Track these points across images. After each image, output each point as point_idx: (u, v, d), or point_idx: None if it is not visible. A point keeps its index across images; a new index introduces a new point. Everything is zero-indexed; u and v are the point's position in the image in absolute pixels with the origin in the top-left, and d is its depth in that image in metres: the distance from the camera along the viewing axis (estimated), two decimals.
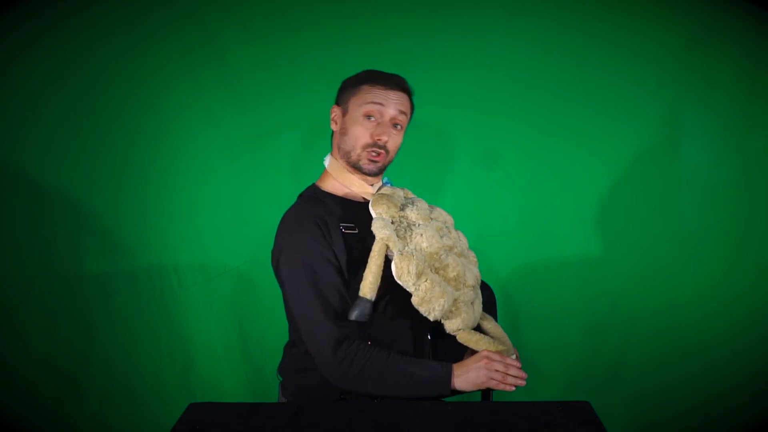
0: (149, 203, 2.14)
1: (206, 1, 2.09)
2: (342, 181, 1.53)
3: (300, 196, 1.57)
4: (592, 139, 2.15)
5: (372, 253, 1.37)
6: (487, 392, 1.68)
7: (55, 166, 2.10)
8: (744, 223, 2.16)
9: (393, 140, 1.50)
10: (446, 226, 1.53)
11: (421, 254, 1.38)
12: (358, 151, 1.48)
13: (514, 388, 1.36)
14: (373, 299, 1.35)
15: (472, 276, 1.49)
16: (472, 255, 1.58)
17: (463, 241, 1.57)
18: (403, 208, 1.48)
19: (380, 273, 1.36)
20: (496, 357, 1.37)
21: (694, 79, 2.13)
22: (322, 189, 1.55)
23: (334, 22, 2.11)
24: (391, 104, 1.48)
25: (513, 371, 1.36)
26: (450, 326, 1.41)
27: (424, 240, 1.40)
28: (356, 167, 1.51)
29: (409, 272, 1.34)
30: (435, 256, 1.41)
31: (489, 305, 1.62)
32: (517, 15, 2.11)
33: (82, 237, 2.13)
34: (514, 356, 1.41)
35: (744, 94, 2.12)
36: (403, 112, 1.50)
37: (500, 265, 2.18)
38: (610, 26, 2.12)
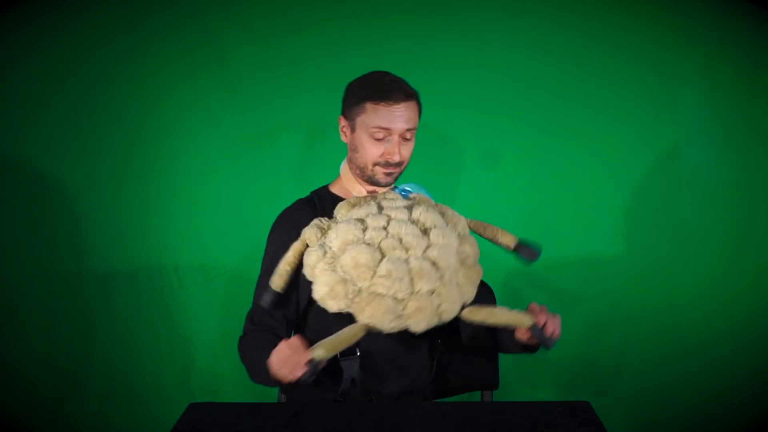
0: (149, 203, 2.14)
1: (206, 1, 2.09)
2: (350, 189, 1.55)
3: (311, 193, 1.60)
4: (592, 139, 2.15)
5: (291, 246, 1.37)
6: (487, 392, 1.68)
7: (55, 166, 2.10)
8: (744, 223, 2.16)
9: (405, 151, 1.48)
10: (418, 231, 1.34)
11: (325, 250, 1.33)
12: (371, 167, 1.49)
13: (297, 377, 1.25)
14: (278, 290, 1.35)
15: (421, 279, 1.29)
16: (469, 268, 1.41)
17: (448, 247, 1.35)
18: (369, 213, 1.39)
19: (292, 265, 1.35)
20: (282, 345, 1.30)
21: (694, 79, 2.13)
22: (330, 190, 1.58)
23: (334, 22, 2.11)
24: (397, 122, 1.44)
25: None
26: (359, 318, 1.30)
27: (336, 237, 1.33)
28: (372, 181, 1.52)
29: (309, 265, 1.33)
30: (342, 248, 1.32)
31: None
32: (517, 15, 2.11)
33: (82, 237, 2.13)
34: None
35: (744, 94, 2.12)
36: (411, 127, 1.47)
37: (500, 265, 2.17)
38: (610, 26, 2.12)
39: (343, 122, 1.52)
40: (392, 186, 1.54)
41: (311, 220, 1.42)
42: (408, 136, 1.47)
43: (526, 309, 1.38)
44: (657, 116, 2.14)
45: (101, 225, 2.13)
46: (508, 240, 1.45)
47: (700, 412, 2.19)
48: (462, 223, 1.44)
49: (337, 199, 1.54)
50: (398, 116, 1.44)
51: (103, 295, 2.15)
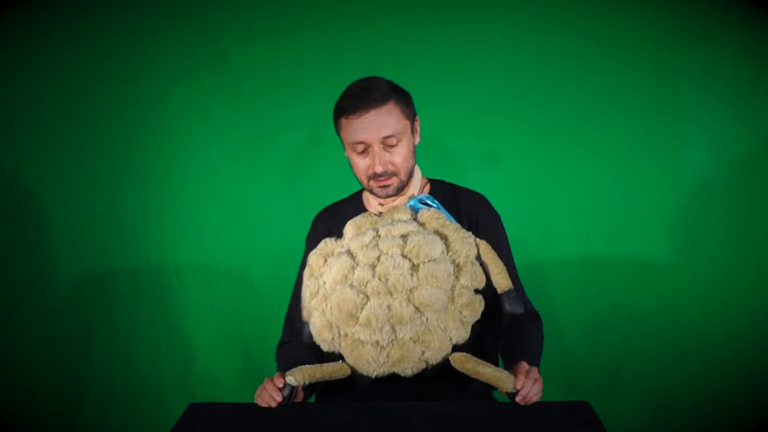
0: (149, 203, 2.14)
1: (206, 1, 2.09)
2: (371, 199, 1.50)
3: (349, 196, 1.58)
4: (592, 139, 2.15)
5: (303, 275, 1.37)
6: (487, 392, 1.67)
7: (55, 166, 2.10)
8: (744, 223, 2.16)
9: (395, 157, 1.39)
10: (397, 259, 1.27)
11: (319, 285, 1.32)
12: (366, 182, 1.43)
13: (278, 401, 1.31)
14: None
15: (379, 319, 1.25)
16: (464, 306, 1.30)
17: (437, 288, 1.26)
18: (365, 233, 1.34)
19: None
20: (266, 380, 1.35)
21: (694, 78, 2.13)
22: (362, 195, 1.54)
23: (334, 22, 2.11)
24: (370, 132, 1.35)
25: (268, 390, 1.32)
26: (347, 361, 1.32)
27: (328, 272, 1.31)
28: (373, 194, 1.46)
29: (306, 299, 1.32)
30: (332, 286, 1.30)
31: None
32: (517, 15, 2.11)
33: (82, 237, 2.13)
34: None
35: (744, 94, 2.12)
36: (389, 134, 1.36)
37: None
38: (610, 26, 2.12)
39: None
40: (409, 197, 1.45)
41: (330, 231, 1.43)
42: (391, 142, 1.37)
43: (517, 366, 1.32)
44: (657, 116, 2.14)
45: (101, 225, 2.13)
46: (502, 282, 1.34)
47: (700, 412, 2.19)
48: (465, 251, 1.32)
49: (361, 207, 1.52)
50: (370, 125, 1.35)
51: (103, 295, 2.15)
